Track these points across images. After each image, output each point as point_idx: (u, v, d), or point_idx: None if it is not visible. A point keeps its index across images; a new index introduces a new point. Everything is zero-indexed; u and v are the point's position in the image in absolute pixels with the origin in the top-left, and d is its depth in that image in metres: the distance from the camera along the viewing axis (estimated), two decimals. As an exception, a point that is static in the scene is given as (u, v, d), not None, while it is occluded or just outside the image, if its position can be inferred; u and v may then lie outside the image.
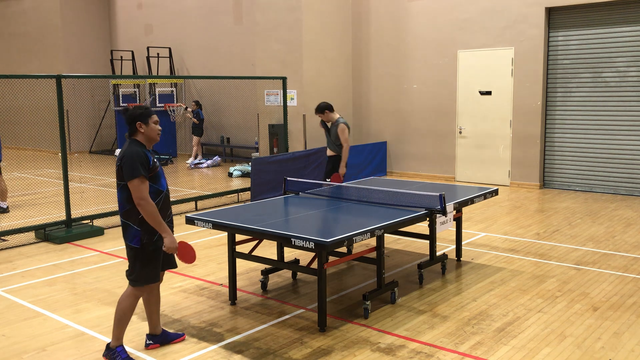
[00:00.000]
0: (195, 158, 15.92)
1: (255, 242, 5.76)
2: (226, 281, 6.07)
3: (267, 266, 6.10)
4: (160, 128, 4.41)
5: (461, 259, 6.82)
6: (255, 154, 14.71)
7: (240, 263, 6.52)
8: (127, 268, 4.45)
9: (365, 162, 12.88)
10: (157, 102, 17.28)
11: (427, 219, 5.61)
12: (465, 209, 8.96)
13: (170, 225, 4.48)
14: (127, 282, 6.18)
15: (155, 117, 4.37)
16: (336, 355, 4.44)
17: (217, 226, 5.20)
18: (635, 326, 4.90)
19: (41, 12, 20.13)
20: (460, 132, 12.41)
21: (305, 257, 6.71)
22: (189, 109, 16.21)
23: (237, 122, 16.78)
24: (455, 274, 6.38)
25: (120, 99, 18.18)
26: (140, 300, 4.69)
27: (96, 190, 12.14)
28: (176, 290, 5.98)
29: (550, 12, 11.19)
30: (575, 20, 10.97)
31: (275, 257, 6.16)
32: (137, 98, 18.62)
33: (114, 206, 9.25)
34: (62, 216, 8.55)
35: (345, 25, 13.73)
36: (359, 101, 13.98)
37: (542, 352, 4.45)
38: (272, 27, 13.32)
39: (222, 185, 12.68)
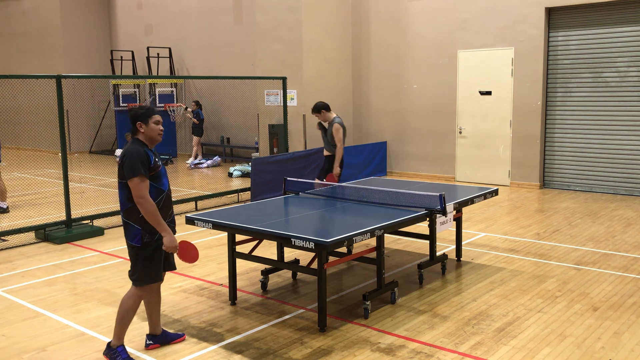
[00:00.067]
0: (195, 158, 15.92)
1: (255, 242, 5.76)
2: (226, 281, 6.07)
3: (267, 266, 6.10)
4: (161, 128, 4.41)
5: (461, 259, 6.82)
6: (255, 154, 14.71)
7: (240, 263, 6.52)
8: (128, 268, 4.45)
9: (365, 162, 12.88)
10: (157, 102, 17.28)
11: (427, 219, 5.61)
12: (465, 209, 8.96)
13: (172, 225, 4.48)
14: (127, 282, 6.17)
15: (156, 118, 4.37)
16: (336, 355, 4.44)
17: (217, 226, 5.20)
18: (635, 326, 4.90)
19: (41, 12, 20.13)
20: (460, 132, 12.41)
21: (305, 257, 6.71)
22: (189, 109, 16.21)
23: (237, 122, 16.78)
24: (455, 274, 6.38)
25: (120, 99, 18.18)
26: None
27: (96, 190, 12.14)
28: (176, 290, 5.98)
29: (550, 12, 11.19)
30: (575, 20, 10.98)
31: (275, 257, 6.16)
32: (137, 98, 18.62)
33: (114, 206, 9.26)
34: (62, 216, 8.55)
35: (345, 25, 13.73)
36: (359, 101, 13.99)
37: (542, 352, 4.45)
38: (272, 27, 13.32)
39: (222, 185, 12.68)
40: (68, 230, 8.18)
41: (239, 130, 16.86)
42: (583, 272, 6.36)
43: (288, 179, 6.71)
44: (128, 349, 4.50)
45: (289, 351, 4.53)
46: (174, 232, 4.47)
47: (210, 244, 7.78)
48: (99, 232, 8.36)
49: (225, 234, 5.88)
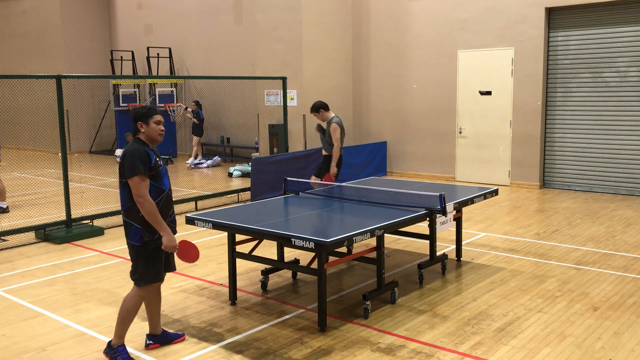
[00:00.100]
0: (195, 158, 15.92)
1: (255, 242, 5.76)
2: (226, 281, 6.07)
3: (267, 266, 6.10)
4: (162, 129, 4.41)
5: (461, 259, 6.82)
6: (255, 154, 14.71)
7: (240, 263, 6.52)
8: (129, 268, 4.45)
9: (365, 162, 12.88)
10: (157, 102, 17.28)
11: (427, 219, 5.61)
12: (465, 209, 8.96)
13: (173, 225, 4.48)
14: (127, 282, 6.19)
15: (157, 118, 4.38)
16: (336, 355, 4.44)
17: (217, 226, 5.20)
18: (635, 326, 4.90)
19: (41, 12, 20.14)
20: (460, 132, 12.41)
21: (305, 257, 6.71)
22: (189, 109, 16.21)
23: (237, 122, 16.78)
24: (455, 274, 6.38)
25: (120, 99, 18.18)
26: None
27: (96, 190, 12.14)
28: (176, 290, 5.98)
29: (550, 12, 11.19)
30: (575, 20, 10.98)
31: (275, 257, 6.16)
32: (137, 98, 18.63)
33: (114, 206, 9.26)
34: (62, 216, 8.55)
35: (345, 25, 13.73)
36: (359, 101, 13.99)
37: (542, 352, 4.45)
38: (272, 27, 13.32)
39: (222, 185, 12.68)
40: (68, 230, 8.19)
41: (239, 130, 16.86)
42: (583, 272, 6.36)
43: (288, 179, 6.71)
44: (128, 348, 4.50)
45: (289, 351, 4.53)
46: (175, 232, 4.47)
47: (210, 244, 7.78)
48: (99, 232, 8.36)
49: (225, 234, 5.88)
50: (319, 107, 8.23)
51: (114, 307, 5.49)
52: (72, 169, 11.23)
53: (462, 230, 7.11)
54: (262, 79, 12.87)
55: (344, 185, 6.96)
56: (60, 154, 8.28)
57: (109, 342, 4.42)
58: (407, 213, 5.46)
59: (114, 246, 7.72)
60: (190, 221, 5.36)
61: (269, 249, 6.89)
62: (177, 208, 9.56)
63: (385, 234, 5.20)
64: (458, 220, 6.71)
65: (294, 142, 12.95)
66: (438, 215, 5.61)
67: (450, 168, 12.64)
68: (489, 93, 11.93)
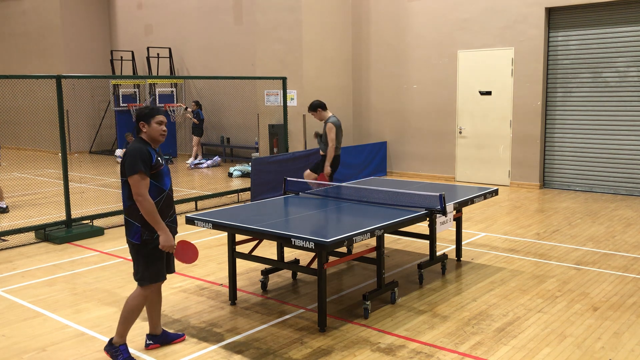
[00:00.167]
0: (195, 158, 15.92)
1: (255, 242, 5.76)
2: (226, 281, 6.07)
3: (267, 266, 6.10)
4: (164, 129, 4.42)
5: (461, 259, 6.82)
6: (255, 154, 14.71)
7: (240, 263, 6.52)
8: (129, 268, 4.46)
9: (365, 162, 12.88)
10: (157, 102, 17.28)
11: (427, 219, 5.61)
12: (465, 209, 8.97)
13: (174, 225, 4.48)
14: (127, 282, 6.19)
15: (159, 118, 4.39)
16: (336, 355, 4.44)
17: (217, 226, 5.20)
18: (635, 326, 4.90)
19: (41, 12, 20.14)
20: (460, 132, 12.41)
21: (305, 257, 6.71)
22: (189, 109, 16.22)
23: (237, 122, 16.78)
24: (455, 274, 6.38)
25: (120, 99, 18.18)
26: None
27: (96, 190, 12.14)
28: (176, 290, 5.98)
29: (550, 12, 11.19)
30: (575, 20, 10.98)
31: (275, 257, 6.16)
32: (137, 98, 18.63)
33: (114, 206, 9.27)
34: (62, 216, 8.55)
35: (345, 25, 13.73)
36: (359, 101, 13.99)
37: (542, 352, 4.45)
38: (272, 27, 13.32)
39: (222, 185, 12.68)
40: (68, 230, 8.18)
41: (239, 130, 16.86)
42: (583, 272, 6.36)
43: (288, 179, 6.71)
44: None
45: (289, 351, 4.53)
46: (176, 232, 4.47)
47: (210, 244, 7.78)
48: (99, 232, 8.36)
49: (225, 234, 5.88)
50: (317, 107, 8.23)
51: (114, 307, 5.50)
52: (72, 169, 11.23)
53: (462, 230, 7.11)
54: (262, 79, 12.87)
55: (343, 185, 6.97)
56: (60, 154, 8.28)
57: (110, 340, 4.42)
58: (407, 213, 5.46)
59: (114, 246, 7.72)
60: (190, 221, 5.36)
61: (269, 249, 6.89)
62: (177, 208, 9.54)
63: (385, 234, 5.20)
64: (458, 220, 6.72)
65: (294, 142, 12.95)
66: (438, 215, 5.61)
67: (450, 168, 12.64)
68: (489, 93, 11.93)
